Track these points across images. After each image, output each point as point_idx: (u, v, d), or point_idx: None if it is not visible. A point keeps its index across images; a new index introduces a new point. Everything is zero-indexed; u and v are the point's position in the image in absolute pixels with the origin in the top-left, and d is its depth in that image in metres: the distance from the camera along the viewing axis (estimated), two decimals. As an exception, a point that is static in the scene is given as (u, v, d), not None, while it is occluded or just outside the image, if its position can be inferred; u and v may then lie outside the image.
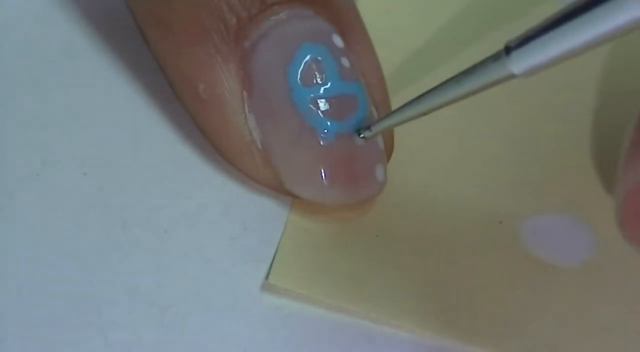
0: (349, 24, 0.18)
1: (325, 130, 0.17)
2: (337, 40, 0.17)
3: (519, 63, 0.14)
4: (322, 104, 0.17)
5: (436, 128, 0.20)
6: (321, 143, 0.17)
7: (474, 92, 0.15)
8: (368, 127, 0.17)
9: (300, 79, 0.17)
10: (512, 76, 0.14)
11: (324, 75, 0.17)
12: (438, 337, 0.16)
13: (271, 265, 0.17)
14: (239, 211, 0.18)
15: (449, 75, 0.20)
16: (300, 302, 0.16)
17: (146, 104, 0.19)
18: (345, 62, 0.17)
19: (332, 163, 0.17)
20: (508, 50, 0.14)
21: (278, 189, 0.17)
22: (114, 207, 0.17)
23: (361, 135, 0.17)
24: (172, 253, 0.17)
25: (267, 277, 0.16)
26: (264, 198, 0.18)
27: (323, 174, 0.17)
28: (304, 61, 0.17)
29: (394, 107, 0.18)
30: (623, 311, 0.17)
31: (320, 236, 0.17)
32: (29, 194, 0.17)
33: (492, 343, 0.16)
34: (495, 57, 0.14)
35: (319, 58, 0.17)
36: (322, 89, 0.17)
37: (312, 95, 0.17)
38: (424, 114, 0.16)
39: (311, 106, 0.17)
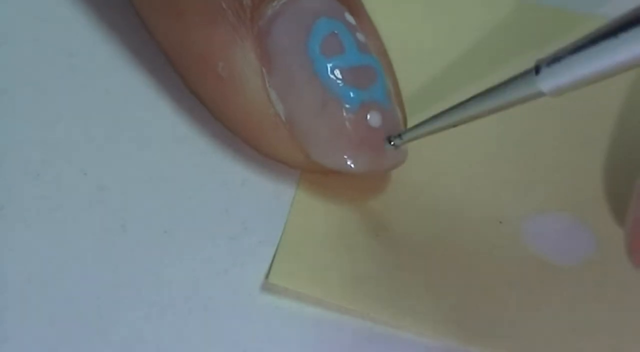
0: (355, 8, 0.18)
1: (349, 99, 0.17)
2: (350, 18, 0.18)
3: (548, 81, 0.14)
4: (344, 74, 0.17)
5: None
6: (346, 112, 0.17)
7: (502, 108, 0.15)
8: (399, 135, 0.17)
9: (320, 51, 0.17)
10: (540, 94, 0.14)
11: (342, 47, 0.17)
12: (438, 337, 0.16)
13: (271, 264, 0.17)
14: (239, 211, 0.18)
15: (450, 76, 0.21)
16: (300, 302, 0.16)
17: (146, 104, 0.19)
18: (360, 36, 0.17)
19: (358, 131, 0.17)
20: (538, 68, 0.14)
21: (303, 164, 0.18)
22: (114, 207, 0.17)
23: (392, 143, 0.17)
24: (172, 253, 0.17)
25: (267, 276, 0.16)
26: (264, 198, 0.18)
27: (350, 142, 0.17)
28: (322, 34, 0.17)
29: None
30: (623, 311, 0.17)
31: (320, 236, 0.17)
32: (29, 194, 0.17)
33: (492, 343, 0.16)
34: (525, 75, 0.14)
35: (336, 32, 0.17)
36: (342, 60, 0.17)
37: (333, 66, 0.17)
38: (452, 126, 0.16)
39: (333, 76, 0.17)
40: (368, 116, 0.17)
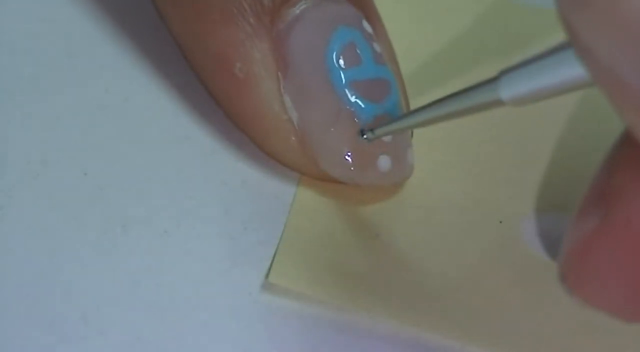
0: (371, 13, 0.18)
1: (363, 113, 0.17)
2: (367, 26, 0.18)
3: (508, 89, 0.14)
4: (359, 87, 0.17)
5: (436, 128, 0.20)
6: (359, 125, 0.17)
7: (467, 113, 0.15)
8: (371, 130, 0.17)
9: (337, 61, 0.17)
10: (500, 103, 0.14)
11: (359, 59, 0.17)
12: (438, 337, 0.16)
13: (271, 264, 0.17)
14: (239, 211, 0.18)
15: (446, 78, 0.21)
16: (300, 302, 0.16)
17: (146, 104, 0.19)
18: (376, 47, 0.18)
19: (370, 146, 0.17)
20: (500, 75, 0.14)
21: (311, 172, 0.18)
22: (114, 207, 0.17)
23: (364, 136, 0.17)
24: (172, 253, 0.17)
25: (267, 276, 0.16)
26: (264, 198, 0.18)
27: (361, 157, 0.17)
28: (341, 44, 0.17)
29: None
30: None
31: (320, 236, 0.17)
32: (29, 194, 0.17)
33: (492, 343, 0.16)
34: (488, 82, 0.14)
35: (354, 42, 0.17)
36: (358, 72, 0.17)
37: (349, 78, 0.17)
38: (421, 125, 0.16)
39: (348, 89, 0.17)
40: None
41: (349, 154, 0.17)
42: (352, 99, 0.17)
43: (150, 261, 0.17)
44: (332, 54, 0.17)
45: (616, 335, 0.16)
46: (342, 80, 0.17)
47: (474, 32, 0.22)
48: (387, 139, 0.17)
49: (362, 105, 0.17)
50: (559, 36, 0.22)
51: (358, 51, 0.17)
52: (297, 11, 0.17)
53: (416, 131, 0.19)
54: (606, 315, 0.16)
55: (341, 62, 0.17)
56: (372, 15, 0.18)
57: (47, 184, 0.17)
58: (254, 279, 0.17)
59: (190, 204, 0.18)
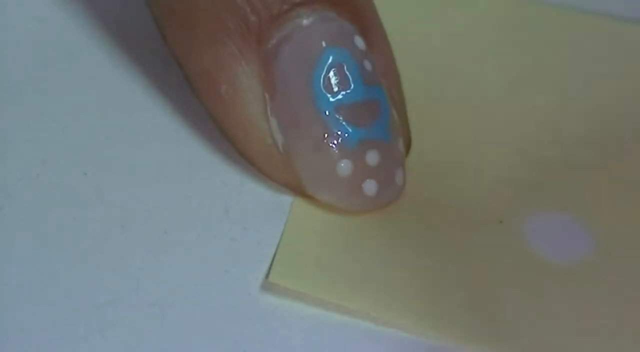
0: (369, 23, 0.18)
1: (348, 137, 0.17)
2: (359, 42, 0.17)
3: None
4: (345, 111, 0.17)
5: (436, 128, 0.20)
6: (344, 151, 0.17)
7: None
8: None
9: (323, 84, 0.17)
10: None
11: (347, 81, 0.17)
12: (438, 337, 0.16)
13: (271, 264, 0.17)
14: (239, 211, 0.18)
15: (451, 77, 0.21)
16: (301, 302, 0.16)
17: (146, 104, 0.19)
18: (367, 65, 0.17)
19: (354, 171, 0.17)
20: None
21: (298, 191, 0.18)
22: (114, 207, 0.17)
23: None
24: (172, 253, 0.17)
25: (267, 276, 0.16)
26: (264, 198, 0.18)
27: (345, 182, 0.17)
28: (327, 66, 0.17)
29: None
30: (623, 311, 0.17)
31: (320, 236, 0.17)
32: (29, 194, 0.17)
33: (492, 343, 0.16)
34: None
35: (342, 63, 0.17)
36: (345, 95, 0.17)
37: (335, 102, 0.17)
38: None
39: (334, 113, 0.17)
40: (366, 155, 0.17)
41: (334, 179, 0.17)
42: (338, 123, 0.17)
43: (150, 261, 0.17)
44: (319, 77, 0.17)
45: (616, 335, 0.16)
46: (328, 105, 0.17)
47: (474, 32, 0.22)
48: (372, 162, 0.17)
49: (349, 130, 0.17)
50: (560, 35, 0.22)
51: (346, 73, 0.17)
52: (285, 32, 0.17)
53: (414, 131, 0.19)
54: None
55: (328, 86, 0.17)
56: (370, 26, 0.18)
57: (47, 184, 0.17)
58: (254, 279, 0.17)
59: (190, 204, 0.18)
